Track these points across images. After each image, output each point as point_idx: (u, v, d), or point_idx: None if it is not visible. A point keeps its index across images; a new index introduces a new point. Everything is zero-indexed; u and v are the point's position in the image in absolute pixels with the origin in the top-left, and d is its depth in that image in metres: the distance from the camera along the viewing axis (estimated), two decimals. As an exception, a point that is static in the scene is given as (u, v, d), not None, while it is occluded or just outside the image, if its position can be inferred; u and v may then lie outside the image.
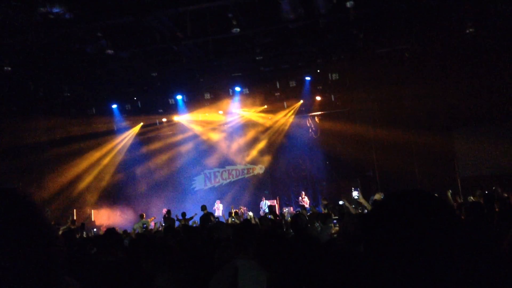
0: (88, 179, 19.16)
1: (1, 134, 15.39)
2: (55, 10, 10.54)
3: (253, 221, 10.55)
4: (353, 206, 9.84)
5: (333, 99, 18.44)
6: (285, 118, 20.18)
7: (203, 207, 13.76)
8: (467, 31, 12.74)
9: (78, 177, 18.62)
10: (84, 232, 11.82)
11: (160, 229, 12.10)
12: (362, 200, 8.31)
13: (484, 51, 14.46)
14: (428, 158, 16.76)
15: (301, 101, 19.17)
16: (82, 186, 18.75)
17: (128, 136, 20.55)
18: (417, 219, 0.99)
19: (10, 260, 0.63)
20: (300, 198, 18.52)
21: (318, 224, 6.84)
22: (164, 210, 15.18)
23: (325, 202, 14.96)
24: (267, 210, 16.52)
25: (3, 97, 15.31)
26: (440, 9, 12.14)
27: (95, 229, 15.79)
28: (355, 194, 16.40)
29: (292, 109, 19.77)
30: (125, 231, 11.87)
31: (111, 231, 4.32)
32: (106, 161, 19.95)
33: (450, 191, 10.92)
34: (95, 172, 19.51)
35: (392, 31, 13.40)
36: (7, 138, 15.54)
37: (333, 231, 6.46)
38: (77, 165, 18.65)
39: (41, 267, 0.67)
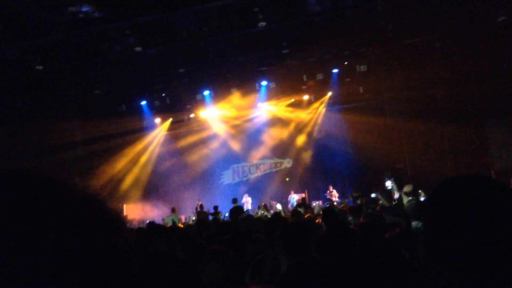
0: (120, 176, 19.50)
1: (35, 134, 15.75)
2: (84, 9, 10.75)
3: (282, 214, 10.57)
4: (385, 197, 9.69)
5: (361, 91, 18.22)
6: (312, 111, 20.06)
7: (234, 200, 13.83)
8: (499, 19, 12.38)
9: (111, 174, 18.95)
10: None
11: (190, 222, 12.26)
12: (397, 190, 8.12)
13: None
14: (461, 150, 16.41)
15: (329, 94, 19.02)
16: (115, 182, 19.07)
17: (157, 133, 20.82)
18: (483, 204, 0.95)
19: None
20: (328, 191, 18.38)
21: (351, 218, 6.77)
22: (199, 202, 15.32)
23: (356, 195, 14.80)
24: (295, 204, 16.49)
25: (35, 95, 15.70)
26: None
27: (127, 224, 16.07)
28: (388, 183, 16.07)
29: (319, 102, 19.64)
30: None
31: (152, 224, 4.39)
32: (137, 157, 20.26)
33: None
34: (127, 168, 19.84)
35: (421, 21, 13.12)
36: (41, 138, 15.90)
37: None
38: (110, 162, 19.01)
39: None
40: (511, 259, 0.92)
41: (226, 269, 2.99)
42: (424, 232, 1.04)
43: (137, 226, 12.57)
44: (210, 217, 12.04)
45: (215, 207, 13.55)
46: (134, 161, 20.14)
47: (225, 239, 5.27)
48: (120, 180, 19.41)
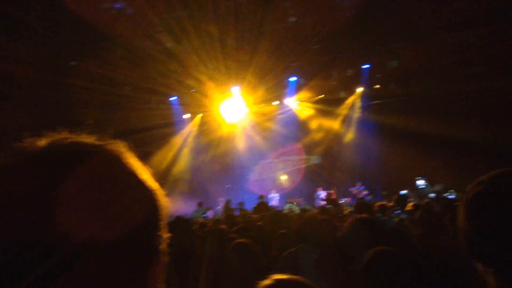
0: (150, 170, 19.73)
1: (61, 124, 16.01)
2: (117, 5, 10.94)
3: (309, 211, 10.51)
4: (418, 196, 9.52)
5: (392, 87, 17.92)
6: (341, 107, 19.85)
7: (260, 197, 13.86)
8: None
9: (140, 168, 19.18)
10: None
11: (219, 217, 12.33)
12: (430, 189, 7.98)
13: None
14: (495, 149, 15.90)
15: (358, 90, 18.77)
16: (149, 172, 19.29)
17: (186, 128, 21.01)
18: None
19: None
20: (355, 188, 18.17)
21: (379, 215, 6.67)
22: (221, 199, 15.40)
23: (385, 193, 14.61)
24: (323, 201, 16.37)
25: (68, 90, 16.04)
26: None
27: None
28: (420, 183, 15.76)
29: (349, 98, 19.42)
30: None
31: (179, 218, 4.44)
32: (166, 152, 20.49)
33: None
34: (157, 163, 20.08)
35: (455, 16, 12.78)
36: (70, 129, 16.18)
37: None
38: (139, 156, 19.25)
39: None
40: None
41: (250, 261, 3.00)
42: (466, 228, 0.99)
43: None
44: (237, 212, 12.09)
45: (241, 203, 13.60)
46: (164, 156, 20.36)
47: (251, 235, 5.28)
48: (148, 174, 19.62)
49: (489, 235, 0.93)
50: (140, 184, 0.73)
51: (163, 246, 0.74)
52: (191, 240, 3.63)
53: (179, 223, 3.90)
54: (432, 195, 11.06)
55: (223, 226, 4.80)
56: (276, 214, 7.83)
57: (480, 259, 0.95)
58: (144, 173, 0.78)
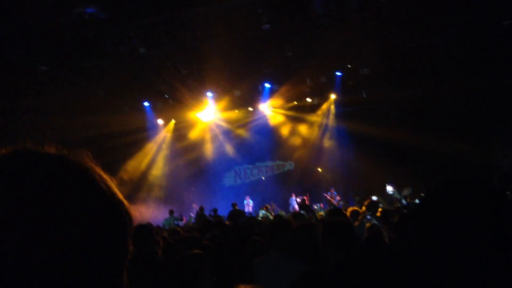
0: (119, 176, 19.44)
1: (34, 131, 15.63)
2: (89, 10, 10.79)
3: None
4: (386, 201, 9.72)
5: (364, 95, 18.20)
6: (314, 114, 20.05)
7: (234, 205, 13.84)
8: (504, 23, 12.36)
9: (110, 174, 18.86)
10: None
11: (191, 225, 12.25)
12: (398, 195, 8.19)
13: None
14: (464, 153, 16.30)
15: (332, 97, 18.99)
16: (115, 183, 19.00)
17: (159, 134, 20.84)
18: (476, 211, 0.95)
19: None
20: (329, 194, 18.34)
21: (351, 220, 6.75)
22: (195, 206, 15.31)
23: (358, 198, 14.79)
24: (296, 207, 16.46)
25: (39, 96, 15.70)
26: (475, 1, 11.82)
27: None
28: (389, 189, 16.07)
29: (322, 105, 19.63)
30: (158, 227, 12.06)
31: (140, 226, 4.41)
32: (137, 158, 20.26)
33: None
34: (126, 168, 19.80)
35: (426, 25, 13.10)
36: (40, 134, 15.73)
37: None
38: (110, 161, 18.94)
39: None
40: (503, 264, 0.92)
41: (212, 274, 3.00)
42: (417, 236, 1.04)
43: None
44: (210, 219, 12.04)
45: (215, 210, 13.56)
46: (135, 162, 20.11)
47: (226, 242, 5.27)
48: (121, 181, 19.34)
49: (433, 244, 0.97)
50: (104, 195, 0.70)
51: (127, 258, 0.71)
52: (153, 249, 3.60)
53: (139, 232, 3.88)
54: (404, 202, 11.30)
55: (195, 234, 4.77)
56: (249, 221, 7.84)
57: (428, 266, 0.99)
58: (109, 184, 0.74)
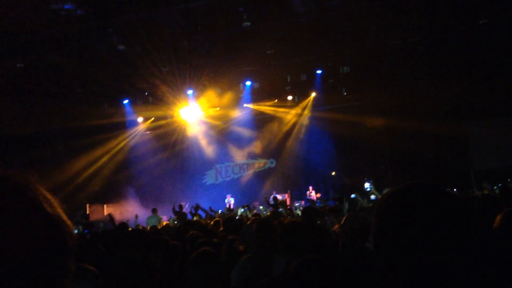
0: (97, 173, 19.21)
1: (10, 126, 15.25)
2: (67, 6, 10.63)
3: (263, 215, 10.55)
4: (365, 199, 9.80)
5: (344, 92, 18.32)
6: (295, 111, 20.10)
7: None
8: (480, 22, 12.56)
9: (87, 170, 18.66)
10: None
11: (172, 224, 12.17)
12: (374, 192, 8.28)
13: (498, 43, 14.23)
14: (442, 152, 16.57)
15: (312, 95, 19.07)
16: (91, 180, 18.78)
17: (139, 131, 20.65)
18: (430, 215, 0.96)
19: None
20: (308, 192, 18.41)
21: (327, 218, 6.81)
22: (184, 204, 15.14)
23: (337, 196, 14.86)
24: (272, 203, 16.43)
25: (16, 94, 15.38)
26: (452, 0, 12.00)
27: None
28: (367, 185, 16.24)
29: (303, 103, 19.69)
30: (138, 226, 11.98)
31: (123, 225, 4.35)
32: (116, 155, 20.04)
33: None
34: (104, 165, 19.57)
35: (405, 23, 13.26)
36: (16, 125, 15.33)
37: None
38: (87, 157, 18.68)
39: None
40: (458, 268, 0.94)
41: (211, 272, 2.98)
42: (373, 247, 1.05)
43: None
44: (189, 217, 11.99)
45: (196, 207, 13.43)
46: (113, 160, 19.88)
47: (207, 242, 5.25)
48: (101, 179, 19.16)
49: (394, 247, 0.99)
50: (47, 216, 0.70)
51: (67, 277, 0.71)
52: (141, 252, 3.56)
53: (130, 236, 3.83)
54: (373, 197, 11.44)
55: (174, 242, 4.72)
56: (229, 219, 7.80)
57: (388, 268, 1.00)
58: (53, 205, 0.73)
